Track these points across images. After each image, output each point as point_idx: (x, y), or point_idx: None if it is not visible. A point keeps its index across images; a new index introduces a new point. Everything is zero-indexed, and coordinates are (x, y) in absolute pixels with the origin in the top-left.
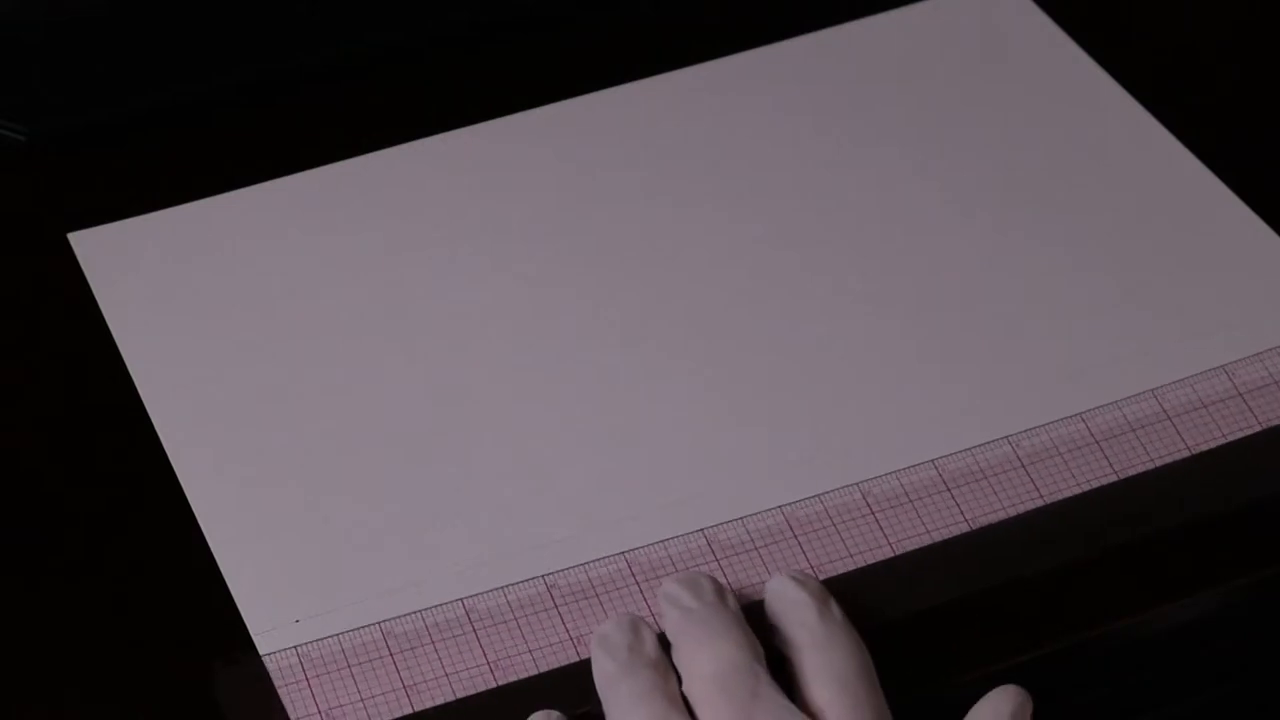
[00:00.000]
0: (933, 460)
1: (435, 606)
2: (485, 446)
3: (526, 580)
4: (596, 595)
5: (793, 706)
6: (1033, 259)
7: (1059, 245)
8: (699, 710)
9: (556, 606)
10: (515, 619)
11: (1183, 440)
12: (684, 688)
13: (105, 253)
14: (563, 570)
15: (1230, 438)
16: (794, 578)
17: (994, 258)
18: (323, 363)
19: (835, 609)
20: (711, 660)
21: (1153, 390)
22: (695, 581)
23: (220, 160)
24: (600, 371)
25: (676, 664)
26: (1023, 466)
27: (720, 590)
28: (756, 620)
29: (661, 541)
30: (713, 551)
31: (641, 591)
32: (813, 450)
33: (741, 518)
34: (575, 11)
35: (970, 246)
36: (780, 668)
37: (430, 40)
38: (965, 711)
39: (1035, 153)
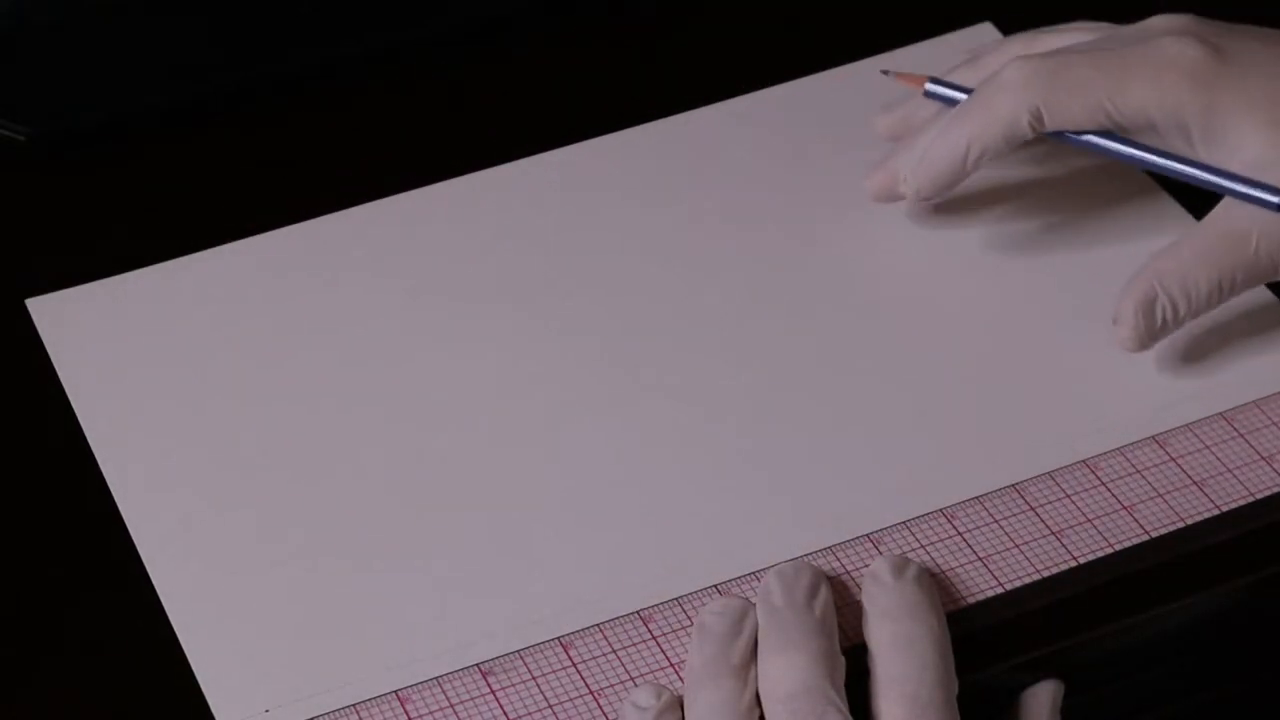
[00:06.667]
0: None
1: (412, 686)
2: (462, 521)
3: (504, 656)
4: (578, 668)
5: None
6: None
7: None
8: None
9: (536, 680)
10: (496, 698)
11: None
12: (761, 701)
13: (63, 321)
14: (538, 646)
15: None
16: (892, 564)
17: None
18: (292, 434)
19: (925, 603)
20: (784, 678)
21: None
22: (792, 574)
23: (220, 161)
24: (583, 441)
25: (758, 669)
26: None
27: (814, 588)
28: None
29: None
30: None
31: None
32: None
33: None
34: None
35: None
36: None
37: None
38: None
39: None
